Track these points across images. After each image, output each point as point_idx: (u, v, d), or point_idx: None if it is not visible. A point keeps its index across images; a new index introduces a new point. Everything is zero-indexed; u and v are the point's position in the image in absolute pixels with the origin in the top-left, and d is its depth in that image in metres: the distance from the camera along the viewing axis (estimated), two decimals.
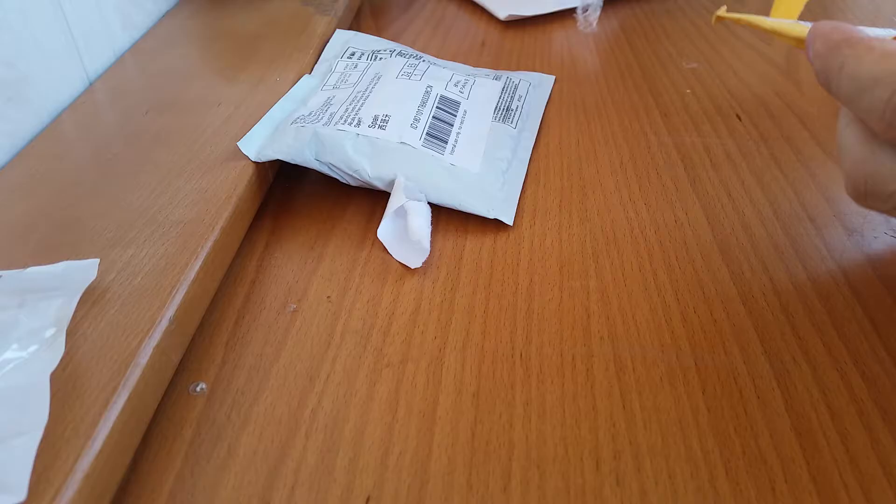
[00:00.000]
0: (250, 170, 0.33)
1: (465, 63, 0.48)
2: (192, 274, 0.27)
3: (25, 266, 0.27)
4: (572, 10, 0.55)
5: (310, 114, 0.36)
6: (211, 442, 0.24)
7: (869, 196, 0.23)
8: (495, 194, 0.34)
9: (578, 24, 0.53)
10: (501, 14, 0.54)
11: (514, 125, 0.38)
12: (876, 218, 0.32)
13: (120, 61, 0.47)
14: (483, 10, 0.57)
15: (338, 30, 0.47)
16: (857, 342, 0.26)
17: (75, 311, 0.25)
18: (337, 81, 0.39)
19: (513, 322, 0.28)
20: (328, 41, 0.46)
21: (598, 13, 0.53)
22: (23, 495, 0.19)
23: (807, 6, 0.51)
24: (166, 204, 0.31)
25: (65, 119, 0.40)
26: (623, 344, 0.26)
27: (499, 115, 0.38)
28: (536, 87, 0.43)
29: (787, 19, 0.35)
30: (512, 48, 0.50)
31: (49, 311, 0.25)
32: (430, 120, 0.35)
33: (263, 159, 0.34)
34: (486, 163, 0.35)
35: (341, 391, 0.25)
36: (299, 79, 0.41)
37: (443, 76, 0.39)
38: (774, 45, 0.49)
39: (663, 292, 0.29)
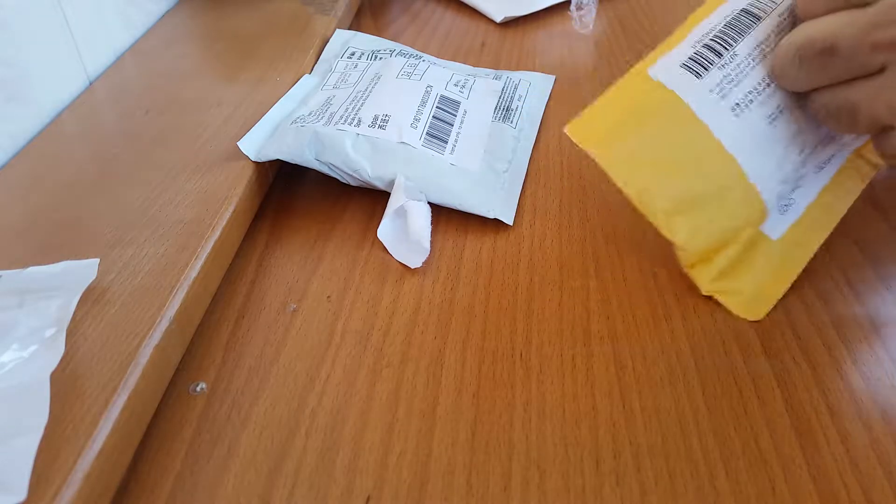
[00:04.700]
0: (250, 170, 0.33)
1: (465, 63, 0.48)
2: (192, 274, 0.27)
3: (25, 266, 0.27)
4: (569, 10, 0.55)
5: (310, 114, 0.36)
6: (211, 442, 0.24)
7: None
8: (495, 194, 0.34)
9: (574, 24, 0.53)
10: (497, 17, 0.54)
11: (514, 125, 0.38)
12: None
13: (120, 61, 0.47)
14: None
15: (338, 30, 0.47)
16: (857, 342, 0.26)
17: (75, 311, 0.25)
18: (337, 81, 0.39)
19: (513, 322, 0.28)
20: (328, 41, 0.46)
21: (594, 14, 0.53)
22: (23, 495, 0.19)
23: None
24: (166, 204, 0.31)
25: (65, 119, 0.40)
26: (623, 344, 0.26)
27: (499, 115, 0.38)
28: (536, 87, 0.43)
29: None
30: (512, 48, 0.50)
31: (49, 311, 0.25)
32: (430, 120, 0.35)
33: (263, 159, 0.34)
34: (486, 162, 0.35)
35: (341, 391, 0.25)
36: (299, 79, 0.41)
37: (443, 76, 0.39)
38: None
39: (663, 292, 0.29)
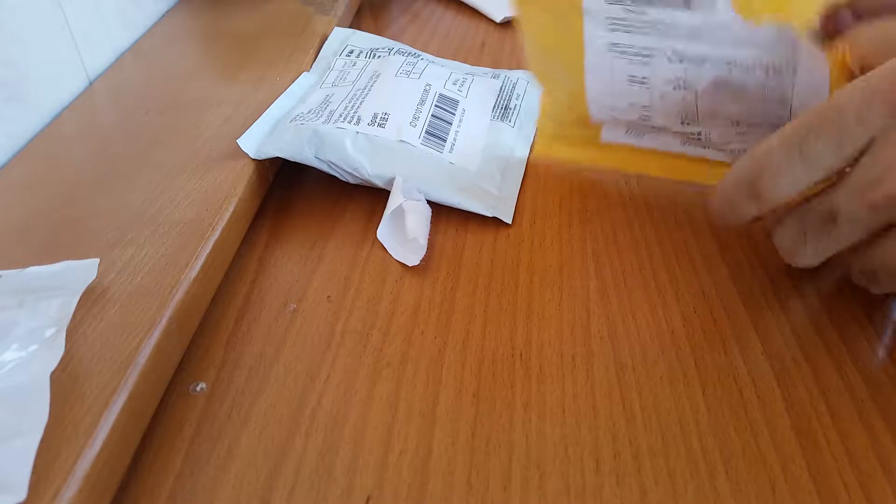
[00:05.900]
0: (250, 169, 0.33)
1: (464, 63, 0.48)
2: (192, 274, 0.27)
3: (25, 266, 0.27)
4: None
5: (309, 111, 0.36)
6: (211, 442, 0.24)
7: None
8: (494, 193, 0.34)
9: None
10: (497, 17, 0.54)
11: (512, 123, 0.38)
12: None
13: (120, 61, 0.47)
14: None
15: (336, 27, 0.46)
16: (857, 342, 0.26)
17: (75, 311, 0.25)
18: (336, 79, 0.39)
19: (513, 322, 0.28)
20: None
21: None
22: (23, 495, 0.19)
23: None
24: (166, 204, 0.31)
25: (65, 119, 0.40)
26: (623, 344, 0.26)
27: (497, 114, 0.38)
28: (535, 86, 0.43)
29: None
30: (512, 49, 0.50)
31: (49, 310, 0.25)
32: (429, 118, 0.35)
33: (263, 157, 0.34)
34: (484, 161, 0.35)
35: (341, 391, 0.25)
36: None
37: (441, 74, 0.39)
38: None
39: (663, 292, 0.29)
